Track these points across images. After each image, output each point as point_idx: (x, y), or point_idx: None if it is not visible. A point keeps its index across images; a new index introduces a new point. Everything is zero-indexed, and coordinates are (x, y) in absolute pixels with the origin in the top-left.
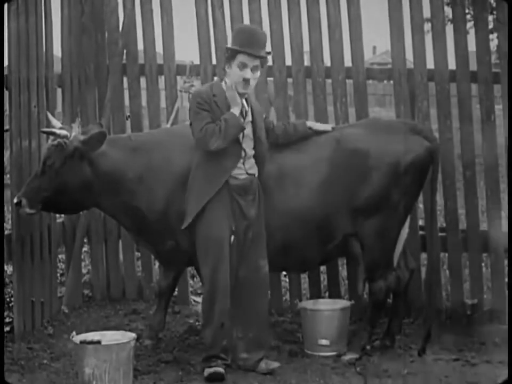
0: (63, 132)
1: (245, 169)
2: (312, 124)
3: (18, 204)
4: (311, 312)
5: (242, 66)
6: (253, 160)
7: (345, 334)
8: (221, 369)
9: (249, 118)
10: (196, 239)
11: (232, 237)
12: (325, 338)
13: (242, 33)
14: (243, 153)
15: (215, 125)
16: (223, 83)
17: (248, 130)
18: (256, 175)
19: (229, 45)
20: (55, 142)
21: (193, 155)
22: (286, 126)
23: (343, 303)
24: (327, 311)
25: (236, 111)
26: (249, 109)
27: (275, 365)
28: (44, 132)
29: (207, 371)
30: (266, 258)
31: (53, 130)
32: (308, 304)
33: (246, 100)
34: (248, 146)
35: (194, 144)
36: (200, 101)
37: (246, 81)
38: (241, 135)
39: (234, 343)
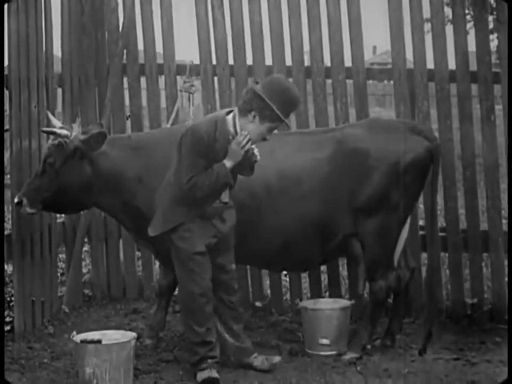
0: (64, 132)
1: (220, 199)
2: None
3: (19, 203)
4: (311, 311)
5: (272, 130)
6: (227, 191)
7: (346, 334)
8: (215, 374)
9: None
10: (174, 252)
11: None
12: (325, 337)
13: (290, 100)
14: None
15: (205, 176)
16: (230, 123)
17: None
18: (229, 203)
19: (264, 92)
20: (56, 142)
21: None
22: None
23: (344, 302)
24: (328, 310)
25: (229, 164)
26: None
27: (276, 359)
28: (45, 132)
29: (200, 376)
30: (233, 263)
31: (54, 129)
32: (308, 303)
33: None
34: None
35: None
36: (200, 143)
37: (265, 139)
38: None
39: (223, 338)
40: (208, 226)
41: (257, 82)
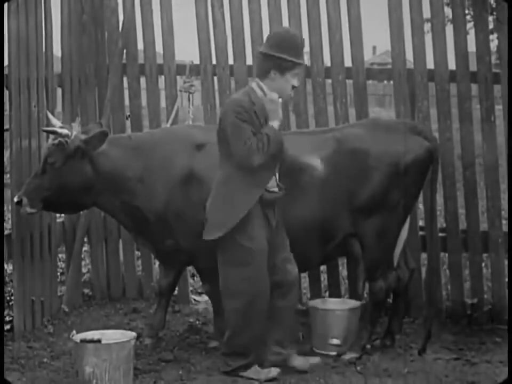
0: (65, 131)
1: (277, 181)
2: None
3: (19, 203)
4: (322, 311)
5: (296, 75)
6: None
7: (355, 334)
8: (277, 370)
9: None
10: (230, 249)
11: None
12: (336, 338)
13: (295, 42)
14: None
15: (257, 140)
16: (257, 89)
17: None
18: (283, 190)
19: (270, 50)
20: (56, 141)
21: (194, 154)
22: None
23: (354, 302)
24: (339, 310)
25: (276, 124)
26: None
27: (316, 360)
28: (46, 131)
29: (256, 373)
30: (293, 260)
31: (55, 129)
32: (317, 303)
33: None
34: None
35: (233, 158)
36: (240, 111)
37: (293, 88)
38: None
39: (266, 340)
40: (267, 221)
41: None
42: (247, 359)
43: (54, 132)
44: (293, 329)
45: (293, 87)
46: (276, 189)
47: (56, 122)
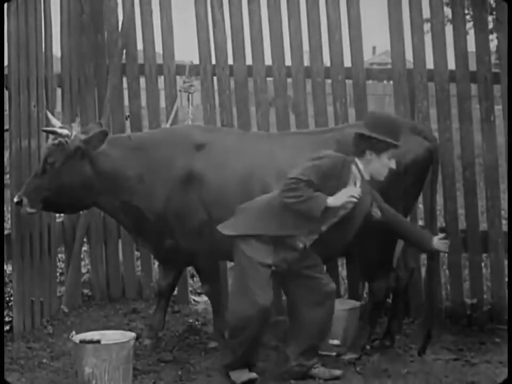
0: (65, 131)
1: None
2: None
3: (19, 203)
4: None
5: (392, 157)
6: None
7: (354, 334)
8: (253, 374)
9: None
10: (238, 260)
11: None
12: (336, 338)
13: (393, 124)
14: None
15: (305, 190)
16: (352, 167)
17: None
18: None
19: (372, 131)
20: (56, 141)
21: (193, 154)
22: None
23: (353, 303)
24: (339, 311)
25: (330, 201)
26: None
27: (337, 372)
28: (46, 131)
29: (238, 377)
30: (328, 278)
31: (55, 129)
32: None
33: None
34: None
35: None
36: (328, 168)
37: (390, 170)
38: None
39: (288, 349)
40: (280, 249)
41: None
42: (234, 358)
43: (54, 132)
44: (318, 343)
45: (390, 168)
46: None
47: (56, 123)
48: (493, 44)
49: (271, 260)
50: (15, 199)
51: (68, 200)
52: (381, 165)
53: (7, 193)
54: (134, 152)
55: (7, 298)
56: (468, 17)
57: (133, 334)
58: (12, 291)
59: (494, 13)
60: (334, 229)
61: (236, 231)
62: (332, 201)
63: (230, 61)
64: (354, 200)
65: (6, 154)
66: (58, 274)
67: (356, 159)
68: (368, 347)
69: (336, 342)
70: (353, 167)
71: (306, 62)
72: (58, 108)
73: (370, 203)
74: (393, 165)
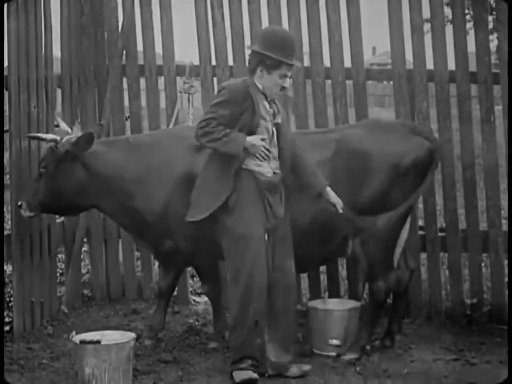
0: (50, 136)
1: (271, 167)
2: (328, 191)
3: (20, 206)
4: (322, 312)
5: (284, 76)
6: (277, 161)
7: (355, 334)
8: (254, 374)
9: (277, 119)
10: (226, 237)
11: (266, 235)
12: (336, 338)
13: (282, 42)
14: (268, 154)
15: (220, 130)
16: (254, 84)
17: (272, 130)
18: (280, 174)
19: (257, 47)
20: (48, 146)
21: (192, 156)
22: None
23: (353, 303)
24: (339, 311)
25: (247, 143)
26: (277, 112)
27: (307, 367)
28: (30, 137)
29: (238, 375)
30: (293, 259)
31: (38, 135)
32: (317, 303)
33: (275, 102)
34: (274, 146)
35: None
36: (230, 95)
37: (283, 89)
38: (269, 136)
39: (264, 346)
40: (265, 204)
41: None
42: (240, 354)
43: (38, 138)
44: (290, 337)
45: (282, 87)
46: (270, 174)
47: (65, 127)
48: (493, 44)
49: (262, 227)
50: (18, 203)
51: (64, 203)
52: (272, 83)
53: (7, 194)
54: (133, 154)
55: (7, 299)
56: (468, 17)
57: (133, 335)
58: (12, 291)
59: (494, 13)
60: None
61: (204, 213)
62: (250, 139)
63: (230, 62)
64: (264, 144)
65: (6, 155)
66: (58, 274)
67: (253, 78)
68: (368, 347)
69: (336, 342)
70: (255, 88)
71: (306, 63)
72: (58, 108)
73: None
74: (286, 83)
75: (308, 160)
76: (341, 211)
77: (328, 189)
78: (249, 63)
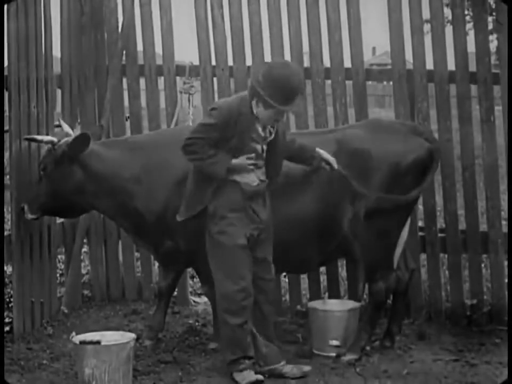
0: (46, 138)
1: (257, 177)
2: (320, 152)
3: (22, 209)
4: (322, 312)
5: (280, 113)
6: (263, 169)
7: (355, 335)
8: (260, 376)
9: (271, 137)
10: (210, 246)
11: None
12: (335, 339)
13: (283, 85)
14: (256, 165)
15: (206, 151)
16: (253, 104)
17: (262, 148)
18: (266, 182)
19: (256, 83)
20: (47, 148)
21: None
22: (296, 146)
23: (353, 303)
24: (339, 312)
25: (232, 166)
26: (270, 134)
27: (307, 368)
28: (27, 139)
29: (243, 377)
30: (271, 257)
31: (35, 136)
32: (317, 304)
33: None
34: (261, 158)
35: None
36: (221, 118)
37: (277, 121)
38: (257, 153)
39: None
40: (249, 215)
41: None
42: (235, 354)
43: (34, 140)
44: (274, 322)
45: (276, 120)
46: (256, 183)
47: (67, 128)
48: (493, 45)
49: (245, 236)
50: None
51: (64, 205)
52: (266, 117)
53: (7, 194)
54: (132, 154)
55: (7, 299)
56: (467, 17)
57: (133, 335)
58: (12, 292)
59: (494, 13)
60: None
61: (188, 213)
62: (235, 162)
63: (230, 62)
64: (253, 163)
65: (6, 155)
66: (58, 275)
67: (251, 102)
68: (368, 348)
69: (336, 342)
70: (249, 110)
71: (306, 63)
72: (58, 108)
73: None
74: (281, 118)
75: (295, 142)
76: (336, 167)
77: (318, 149)
78: (248, 89)
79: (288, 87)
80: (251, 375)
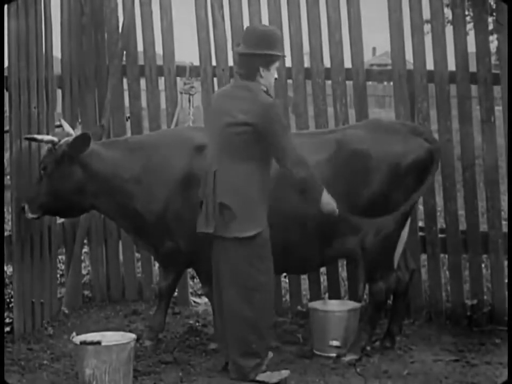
0: (46, 137)
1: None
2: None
3: (23, 209)
4: (322, 313)
5: (276, 68)
6: None
7: (355, 335)
8: (285, 372)
9: None
10: (252, 247)
11: None
12: (336, 339)
13: (276, 37)
14: None
15: (311, 170)
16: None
17: None
18: None
19: (254, 49)
20: (47, 147)
21: (193, 156)
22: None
23: (353, 304)
24: (339, 312)
25: (324, 193)
26: None
27: (284, 373)
28: (27, 139)
29: (270, 376)
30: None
31: (35, 136)
32: (318, 304)
33: None
34: None
35: (263, 156)
36: (282, 116)
37: (275, 80)
38: None
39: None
40: None
41: (238, 44)
42: (259, 357)
43: (34, 139)
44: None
45: (275, 79)
46: None
47: (68, 128)
48: (493, 45)
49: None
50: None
51: (64, 205)
52: (271, 78)
53: (7, 194)
54: (132, 154)
55: (8, 300)
56: (468, 18)
57: (133, 336)
58: (12, 292)
59: (494, 14)
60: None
61: (260, 226)
62: (325, 195)
63: (230, 62)
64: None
65: (6, 155)
66: (58, 275)
67: (257, 82)
68: (368, 348)
69: (335, 343)
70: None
71: (306, 63)
72: (59, 109)
73: None
74: (276, 75)
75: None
76: (336, 214)
77: (323, 197)
78: (247, 68)
79: (275, 33)
80: (275, 373)
